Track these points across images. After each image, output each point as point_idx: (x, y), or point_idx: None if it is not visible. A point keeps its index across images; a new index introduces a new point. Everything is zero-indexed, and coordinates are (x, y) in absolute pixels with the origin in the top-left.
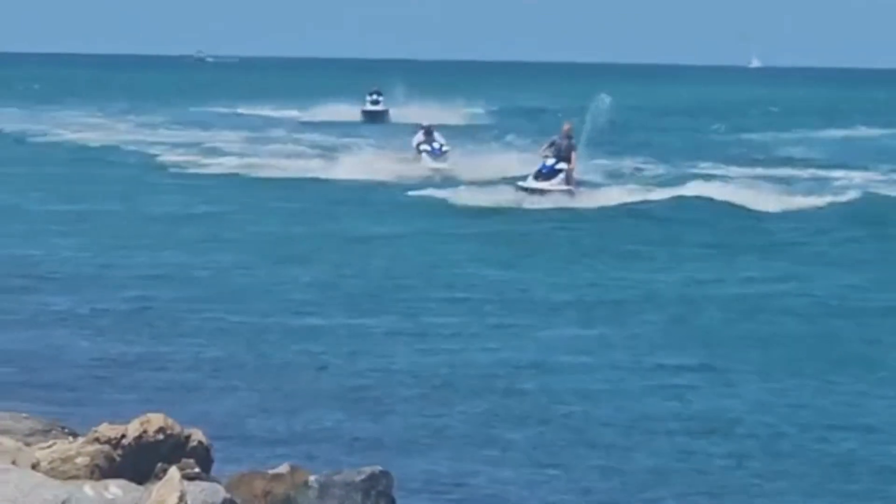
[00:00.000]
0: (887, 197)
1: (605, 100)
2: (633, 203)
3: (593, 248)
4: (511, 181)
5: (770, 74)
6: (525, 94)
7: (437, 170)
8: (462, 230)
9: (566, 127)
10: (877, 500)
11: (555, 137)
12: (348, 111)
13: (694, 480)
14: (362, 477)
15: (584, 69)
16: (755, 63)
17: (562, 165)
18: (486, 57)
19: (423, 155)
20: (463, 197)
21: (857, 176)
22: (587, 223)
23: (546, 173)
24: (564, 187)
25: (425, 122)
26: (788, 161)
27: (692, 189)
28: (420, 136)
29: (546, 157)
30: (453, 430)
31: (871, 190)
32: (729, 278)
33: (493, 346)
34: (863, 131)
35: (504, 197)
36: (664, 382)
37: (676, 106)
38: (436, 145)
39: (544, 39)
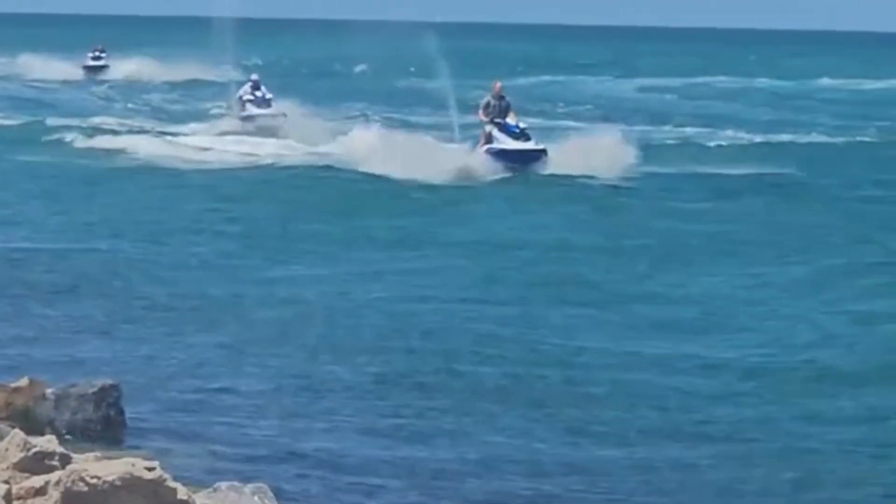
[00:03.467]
0: None
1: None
2: None
3: None
4: None
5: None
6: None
7: (260, 117)
8: None
9: (497, 86)
10: None
11: (488, 98)
12: (67, 68)
13: None
14: (94, 389)
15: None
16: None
17: (522, 124)
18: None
19: (248, 105)
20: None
21: None
22: None
23: (520, 133)
24: (541, 146)
25: (254, 76)
26: None
27: None
28: (246, 89)
29: (491, 119)
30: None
31: None
32: None
33: None
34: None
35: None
36: None
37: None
38: (259, 94)
39: None
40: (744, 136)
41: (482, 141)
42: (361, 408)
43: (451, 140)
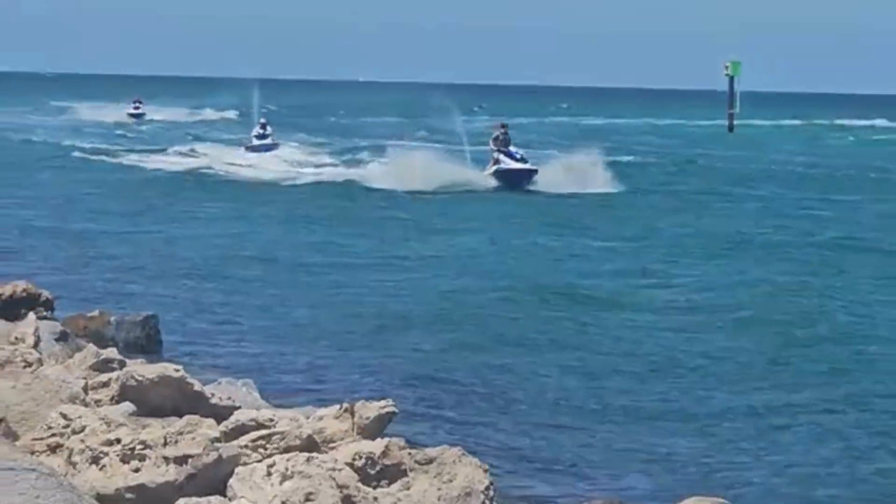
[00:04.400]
0: None
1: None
2: None
3: None
4: None
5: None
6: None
7: (262, 146)
8: None
9: (501, 125)
10: None
11: (497, 133)
12: (116, 114)
13: None
14: (140, 318)
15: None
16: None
17: (521, 151)
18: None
19: (254, 139)
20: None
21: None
22: None
23: (521, 158)
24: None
25: (262, 119)
26: None
27: None
28: (256, 129)
29: (499, 150)
30: None
31: None
32: None
33: None
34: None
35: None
36: None
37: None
38: (263, 132)
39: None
40: None
41: (491, 164)
42: (337, 331)
43: (465, 164)
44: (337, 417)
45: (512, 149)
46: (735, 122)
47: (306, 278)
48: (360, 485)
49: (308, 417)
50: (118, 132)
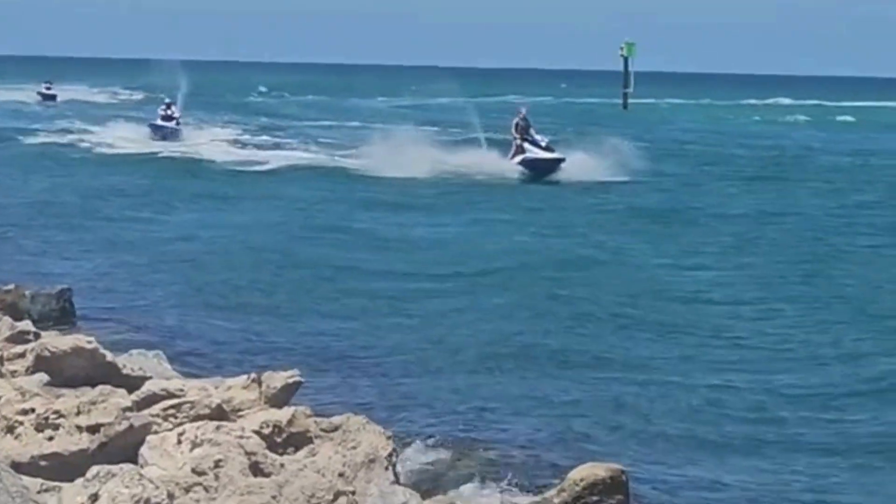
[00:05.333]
0: None
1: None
2: None
3: None
4: None
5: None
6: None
7: (166, 128)
8: None
9: (523, 111)
10: None
11: (517, 119)
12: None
13: None
14: (55, 291)
15: None
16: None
17: (546, 139)
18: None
19: (158, 119)
20: None
21: None
22: None
23: (546, 146)
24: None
25: (167, 100)
26: None
27: None
28: (162, 107)
29: (523, 137)
30: None
31: None
32: None
33: None
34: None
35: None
36: None
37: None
38: (168, 112)
39: None
40: None
41: (513, 151)
42: (248, 303)
43: (481, 150)
44: (245, 387)
45: (537, 136)
46: (630, 101)
47: (223, 256)
48: (267, 452)
49: (217, 387)
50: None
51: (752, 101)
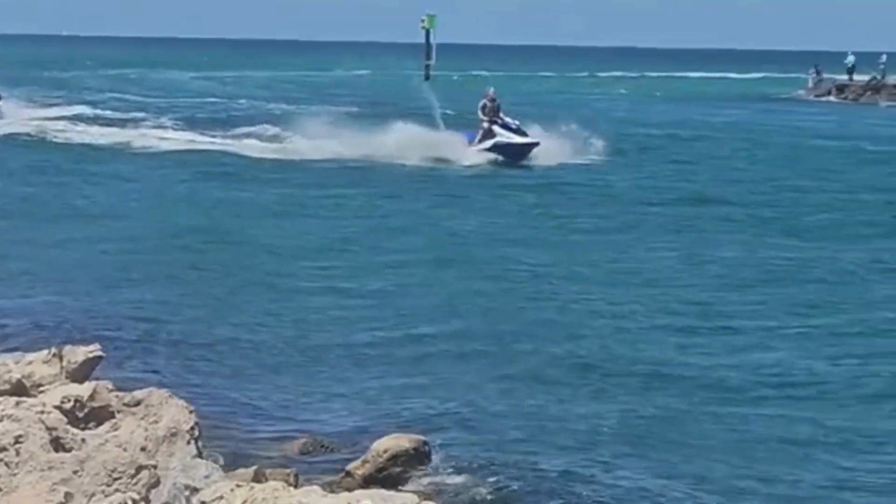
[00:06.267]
0: None
1: None
2: None
3: None
4: None
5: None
6: None
7: None
8: None
9: (490, 91)
10: None
11: (484, 101)
12: None
13: None
14: None
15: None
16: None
17: (516, 121)
18: None
19: None
20: None
21: None
22: None
23: (517, 129)
24: (536, 140)
25: None
26: None
27: None
28: None
29: (492, 120)
30: None
31: None
32: None
33: None
34: None
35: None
36: None
37: None
38: None
39: None
40: None
41: (480, 135)
42: (55, 278)
43: (438, 130)
44: (46, 362)
45: (507, 118)
46: (431, 73)
47: (50, 226)
48: (68, 427)
49: (17, 362)
50: None
51: (549, 74)
